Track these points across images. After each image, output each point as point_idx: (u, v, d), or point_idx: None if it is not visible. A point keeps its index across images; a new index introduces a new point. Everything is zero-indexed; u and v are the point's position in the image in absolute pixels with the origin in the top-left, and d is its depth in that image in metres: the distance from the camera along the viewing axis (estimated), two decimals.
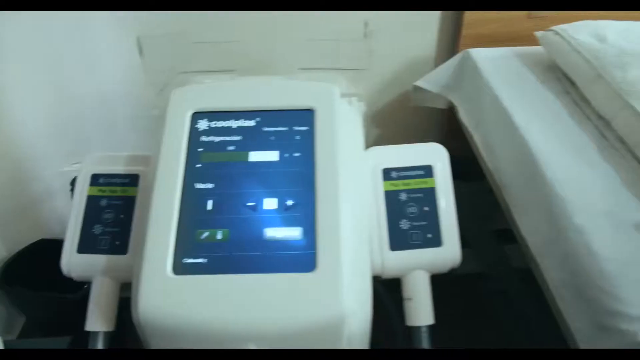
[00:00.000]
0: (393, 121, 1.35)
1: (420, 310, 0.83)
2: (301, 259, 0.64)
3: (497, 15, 1.18)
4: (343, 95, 0.84)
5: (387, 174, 0.85)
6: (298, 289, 0.63)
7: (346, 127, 0.75)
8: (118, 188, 0.78)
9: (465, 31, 1.17)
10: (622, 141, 0.86)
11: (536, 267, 0.85)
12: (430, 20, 1.21)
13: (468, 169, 1.05)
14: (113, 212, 0.76)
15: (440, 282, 1.64)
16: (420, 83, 1.17)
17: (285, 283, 0.63)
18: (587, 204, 0.77)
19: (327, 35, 0.99)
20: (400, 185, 0.84)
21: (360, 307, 0.68)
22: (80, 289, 1.08)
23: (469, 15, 1.16)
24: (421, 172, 0.85)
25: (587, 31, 0.99)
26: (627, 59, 0.90)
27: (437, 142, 1.33)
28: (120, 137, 1.27)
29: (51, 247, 0.93)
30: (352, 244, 0.68)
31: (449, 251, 0.82)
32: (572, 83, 0.97)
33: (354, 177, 0.74)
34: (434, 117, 1.31)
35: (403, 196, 0.84)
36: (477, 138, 1.04)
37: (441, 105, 1.18)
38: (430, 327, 0.83)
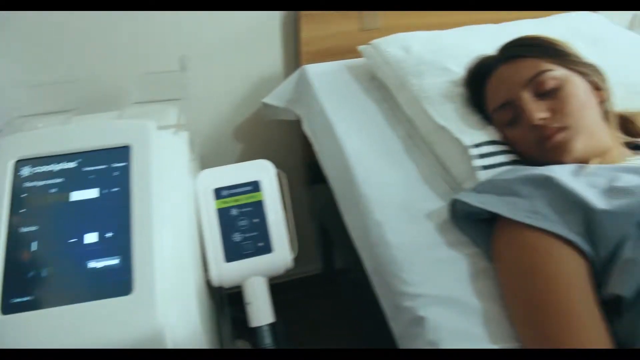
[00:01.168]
0: (258, 136, 1.44)
1: (260, 312, 0.93)
2: (119, 284, 0.72)
3: (332, 31, 1.29)
4: (169, 126, 0.92)
5: (218, 193, 0.93)
6: (117, 312, 0.70)
7: (166, 158, 0.83)
8: None
9: (304, 48, 1.28)
10: (424, 140, 0.99)
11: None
12: (273, 41, 1.30)
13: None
14: None
15: (310, 279, 1.74)
16: (267, 100, 1.27)
17: (106, 308, 0.70)
18: (386, 200, 0.89)
19: (162, 67, 1.07)
20: (230, 202, 0.93)
21: (184, 319, 0.76)
22: None
23: (305, 33, 1.26)
24: (249, 188, 0.95)
25: (397, 44, 1.12)
26: (424, 67, 1.03)
27: (300, 150, 1.43)
28: None
29: None
30: (171, 264, 0.76)
31: (280, 256, 0.92)
32: (388, 91, 1.10)
33: (174, 202, 0.82)
34: (294, 128, 1.41)
35: (234, 211, 0.93)
36: (316, 146, 1.15)
37: (291, 117, 1.28)
38: (271, 324, 0.93)
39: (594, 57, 1.13)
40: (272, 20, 1.28)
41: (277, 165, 1.44)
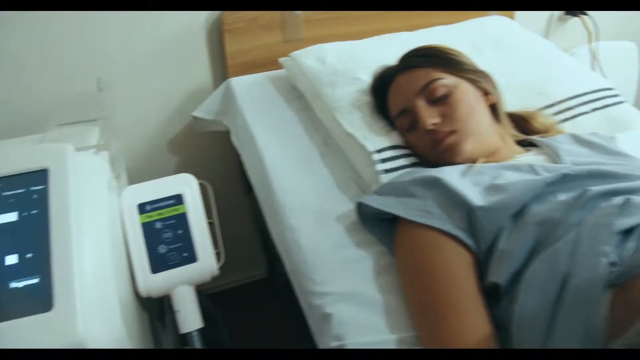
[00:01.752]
0: (195, 147, 1.48)
1: (189, 319, 0.97)
2: (40, 302, 0.75)
3: (256, 43, 1.34)
4: (88, 147, 0.95)
5: (142, 208, 0.97)
6: (39, 329, 0.74)
7: (84, 178, 0.87)
8: None
9: (230, 61, 1.32)
10: (338, 147, 1.05)
11: None
12: (200, 55, 1.35)
13: None
14: None
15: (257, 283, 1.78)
16: (196, 113, 1.31)
17: (27, 325, 0.73)
18: (301, 205, 0.95)
19: (87, 87, 1.10)
20: (154, 216, 0.97)
21: (108, 331, 0.80)
22: None
23: (230, 47, 1.31)
24: (173, 201, 0.99)
25: (313, 55, 1.18)
26: (337, 78, 1.09)
27: (238, 160, 1.47)
28: None
29: None
30: (93, 280, 0.80)
31: (205, 265, 0.97)
32: (306, 101, 1.16)
33: (95, 220, 0.86)
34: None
35: (158, 225, 0.97)
36: (242, 156, 1.20)
37: (222, 128, 1.33)
38: (199, 330, 0.98)
39: (499, 60, 1.22)
40: (197, 34, 1.32)
41: (214, 175, 1.49)
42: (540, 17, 1.87)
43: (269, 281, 1.78)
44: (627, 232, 0.66)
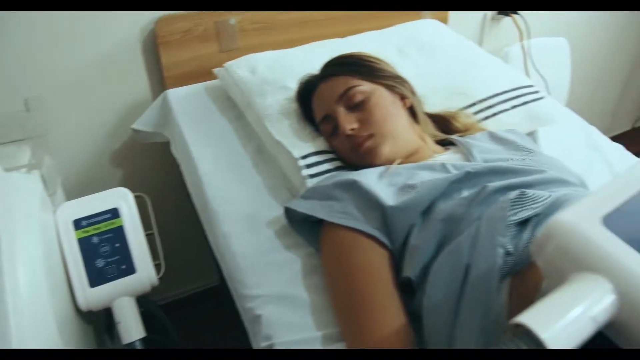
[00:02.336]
0: (140, 159, 1.49)
1: (130, 329, 0.99)
2: None
3: (193, 54, 1.36)
4: (18, 167, 0.96)
5: (78, 223, 0.99)
6: None
7: (14, 198, 0.88)
8: None
9: (167, 73, 1.34)
10: (269, 154, 1.08)
11: None
12: (137, 68, 1.36)
13: None
14: None
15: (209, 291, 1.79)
16: (135, 126, 1.33)
17: None
18: (234, 213, 0.98)
19: (14, 107, 1.10)
20: (91, 230, 0.99)
21: (43, 345, 0.82)
22: None
23: (166, 58, 1.33)
24: (109, 216, 1.01)
25: (245, 65, 1.21)
26: (267, 87, 1.13)
27: (179, 171, 1.47)
28: None
29: None
30: (27, 298, 0.81)
31: (143, 275, 0.99)
32: (239, 110, 1.19)
33: (28, 239, 0.87)
34: None
35: (95, 239, 0.99)
36: (181, 166, 1.22)
37: (163, 140, 1.35)
38: (142, 339, 1.00)
39: (424, 63, 1.28)
40: (132, 48, 1.33)
41: (160, 186, 1.51)
42: (474, 17, 1.95)
43: (220, 288, 1.80)
44: (523, 224, 0.71)
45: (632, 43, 2.48)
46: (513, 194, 0.74)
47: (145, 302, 1.26)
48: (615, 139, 1.28)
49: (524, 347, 0.41)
